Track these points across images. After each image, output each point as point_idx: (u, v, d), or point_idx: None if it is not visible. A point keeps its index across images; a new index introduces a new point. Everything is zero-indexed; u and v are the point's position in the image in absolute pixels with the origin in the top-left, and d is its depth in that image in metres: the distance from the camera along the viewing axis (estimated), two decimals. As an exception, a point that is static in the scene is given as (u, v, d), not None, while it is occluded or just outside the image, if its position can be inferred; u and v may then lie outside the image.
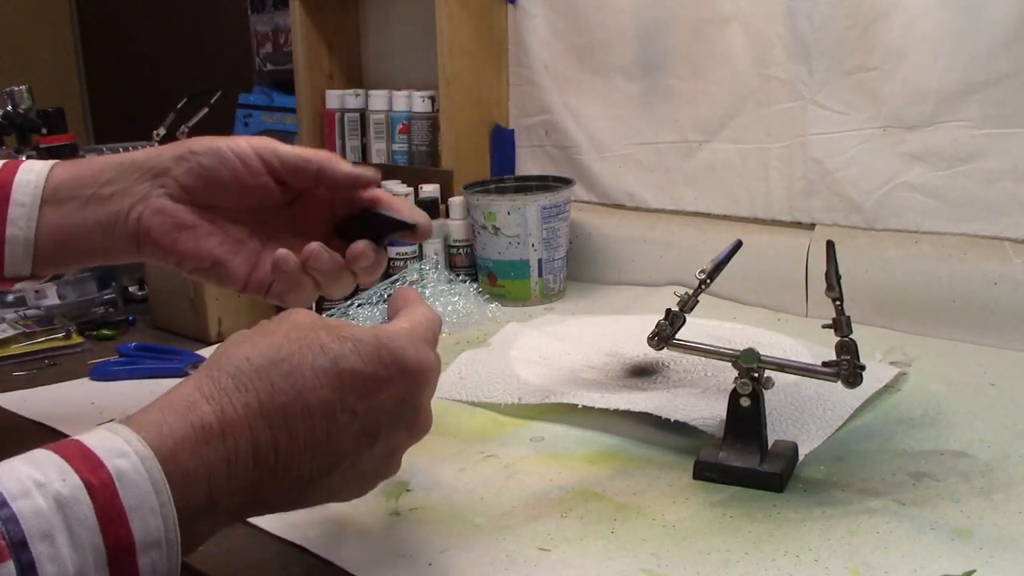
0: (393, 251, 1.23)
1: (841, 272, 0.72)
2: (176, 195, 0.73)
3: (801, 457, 0.76)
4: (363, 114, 1.57)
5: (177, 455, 0.50)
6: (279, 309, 0.65)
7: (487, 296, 1.20)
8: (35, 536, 0.45)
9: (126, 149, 1.62)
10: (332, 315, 1.10)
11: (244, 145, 0.73)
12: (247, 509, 0.55)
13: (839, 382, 0.72)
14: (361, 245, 0.73)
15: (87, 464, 0.47)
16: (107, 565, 0.47)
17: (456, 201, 1.28)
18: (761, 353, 0.74)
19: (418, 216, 0.74)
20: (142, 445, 0.49)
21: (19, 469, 0.47)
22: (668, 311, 0.78)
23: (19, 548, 0.44)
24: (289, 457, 0.54)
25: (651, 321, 0.79)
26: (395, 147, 1.52)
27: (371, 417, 0.56)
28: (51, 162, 0.75)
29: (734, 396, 0.75)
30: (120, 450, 0.49)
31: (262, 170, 0.73)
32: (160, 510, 0.48)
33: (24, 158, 1.51)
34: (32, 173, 0.73)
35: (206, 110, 1.78)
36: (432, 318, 0.61)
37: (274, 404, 0.53)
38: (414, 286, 0.71)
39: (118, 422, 0.51)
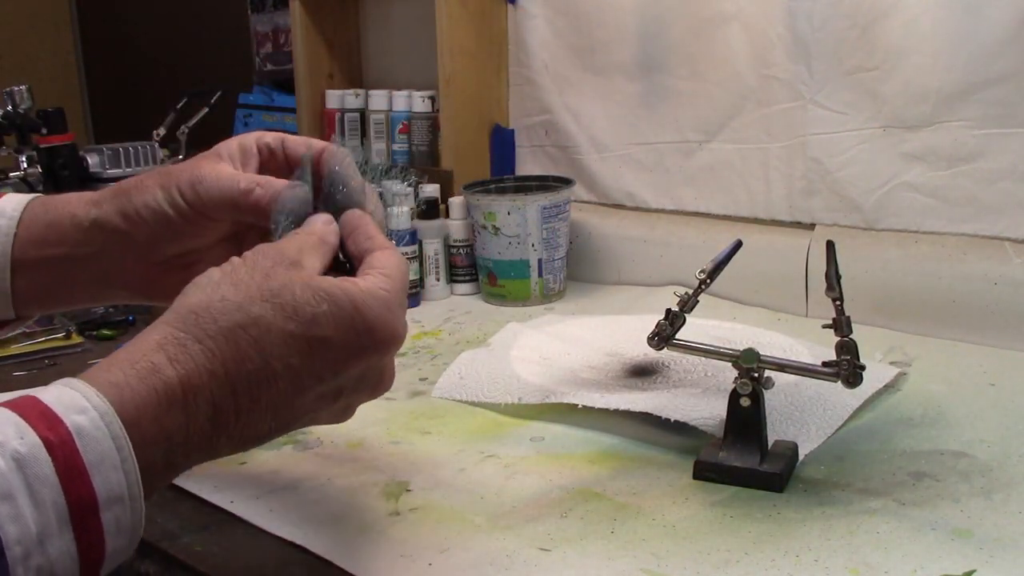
0: (393, 251, 1.23)
1: (841, 272, 0.72)
2: (147, 258, 0.69)
3: (801, 457, 0.76)
4: (363, 114, 1.56)
5: (139, 421, 0.49)
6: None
7: (485, 295, 1.20)
8: None
9: (126, 149, 1.63)
10: None
11: (176, 195, 0.66)
12: (201, 459, 0.55)
13: (839, 382, 0.72)
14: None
15: (45, 421, 0.47)
16: (70, 522, 0.46)
17: (456, 201, 1.28)
18: (761, 353, 0.74)
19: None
20: (101, 400, 0.48)
21: None
22: (668, 311, 0.78)
23: None
24: (249, 420, 0.53)
25: (651, 321, 0.79)
26: (395, 147, 1.52)
27: (336, 381, 0.55)
28: (22, 202, 0.70)
29: (734, 396, 0.75)
30: (78, 406, 0.48)
31: (197, 217, 0.67)
32: (122, 465, 0.48)
33: (24, 159, 1.52)
34: (3, 217, 0.69)
35: (206, 110, 1.78)
36: (405, 272, 0.59)
37: (240, 371, 0.52)
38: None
39: (75, 377, 0.50)
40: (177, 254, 0.69)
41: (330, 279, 0.56)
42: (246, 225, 0.70)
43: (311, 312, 0.53)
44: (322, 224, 0.61)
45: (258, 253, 0.57)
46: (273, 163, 0.70)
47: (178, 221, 0.67)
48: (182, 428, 0.51)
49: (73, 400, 0.48)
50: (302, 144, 0.69)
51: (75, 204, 0.69)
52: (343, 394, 0.57)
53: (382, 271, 0.57)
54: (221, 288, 0.54)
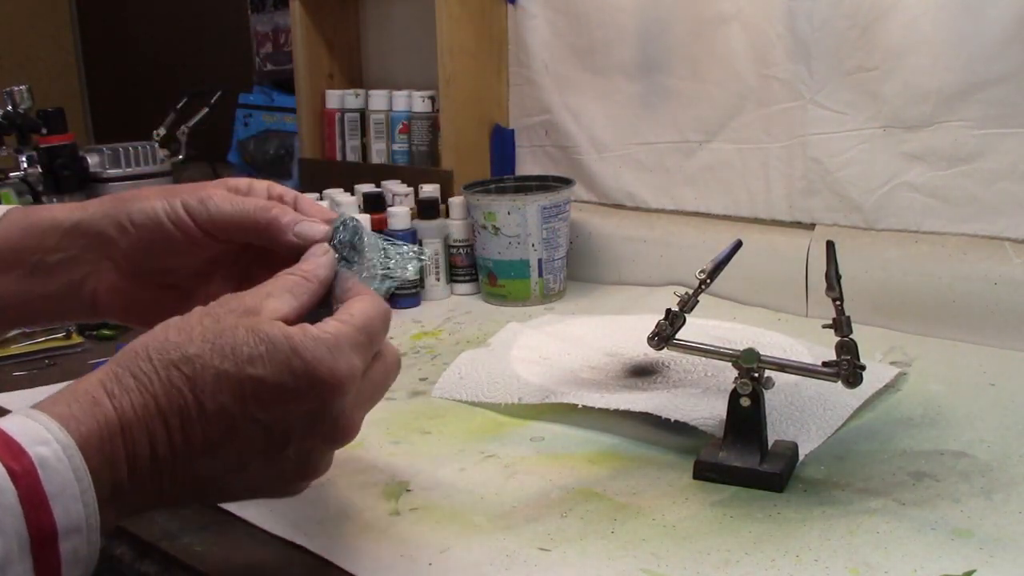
0: (393, 251, 1.23)
1: (841, 272, 0.72)
2: (125, 268, 0.68)
3: (801, 457, 0.76)
4: (363, 114, 1.57)
5: (85, 449, 0.50)
6: None
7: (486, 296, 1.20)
8: None
9: (126, 149, 1.63)
10: None
11: (180, 208, 0.66)
12: (153, 500, 0.55)
13: (839, 382, 0.72)
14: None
15: (9, 451, 0.48)
16: (30, 551, 0.47)
17: (456, 201, 1.28)
18: (761, 353, 0.74)
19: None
20: (63, 433, 0.49)
21: None
22: (668, 311, 0.78)
23: None
24: (188, 457, 0.53)
25: (651, 321, 0.79)
26: (395, 147, 1.52)
27: (278, 425, 0.54)
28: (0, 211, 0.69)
29: (734, 396, 0.75)
30: (41, 437, 0.49)
31: (198, 234, 0.67)
32: (81, 496, 0.49)
33: (24, 159, 1.52)
34: None
35: (206, 110, 1.78)
36: (371, 317, 0.58)
37: (171, 407, 0.53)
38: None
39: (33, 408, 0.51)
40: (156, 270, 0.68)
41: (277, 324, 0.55)
42: (231, 255, 0.69)
43: (247, 353, 0.53)
44: (313, 259, 0.62)
45: (219, 302, 0.57)
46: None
47: (174, 235, 0.66)
48: (123, 459, 0.52)
49: (37, 432, 0.49)
50: (315, 205, 0.69)
51: (58, 210, 0.69)
52: (291, 439, 0.55)
53: (340, 318, 0.57)
54: (168, 331, 0.55)
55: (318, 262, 0.62)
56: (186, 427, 0.53)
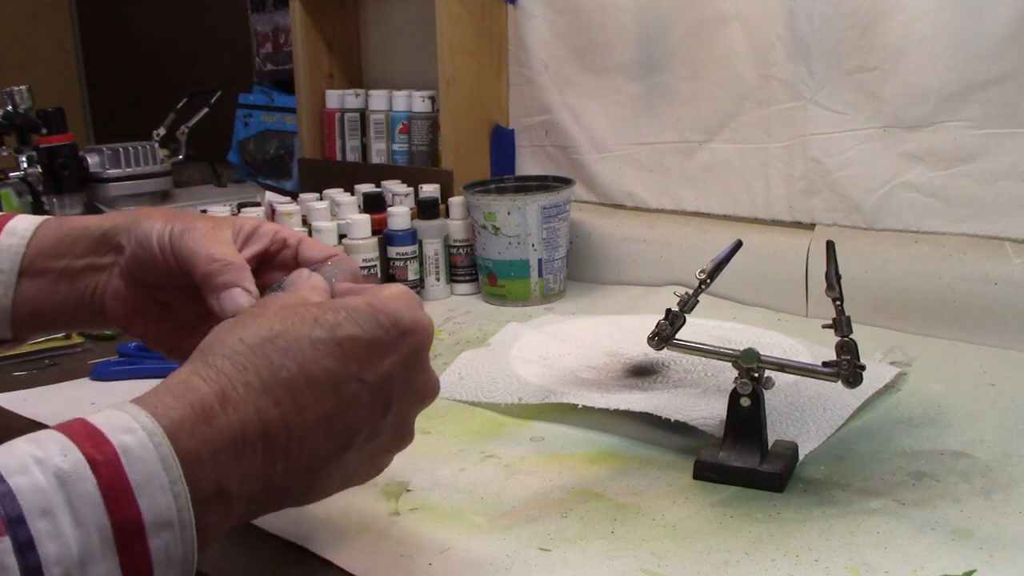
0: (393, 251, 1.23)
1: (841, 272, 0.72)
2: (126, 276, 0.70)
3: (801, 457, 0.76)
4: (363, 114, 1.57)
5: (176, 435, 0.48)
6: None
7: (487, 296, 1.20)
8: (33, 512, 0.43)
9: (126, 149, 1.63)
10: None
11: (167, 235, 0.67)
12: (263, 499, 0.53)
13: (839, 382, 0.73)
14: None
15: (91, 440, 0.46)
16: (114, 545, 0.45)
17: (456, 201, 1.28)
18: (761, 353, 0.74)
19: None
20: (150, 421, 0.47)
21: (19, 447, 0.46)
22: (668, 311, 0.78)
23: (16, 524, 0.43)
24: (302, 434, 0.52)
25: (651, 321, 0.79)
26: (395, 147, 1.52)
27: (381, 383, 0.54)
28: (36, 223, 0.71)
29: (734, 396, 0.75)
30: (126, 426, 0.47)
31: (173, 263, 0.67)
32: (171, 487, 0.46)
33: (24, 159, 1.52)
34: (15, 236, 0.70)
35: (206, 110, 1.78)
36: (409, 289, 0.60)
37: (276, 380, 0.51)
38: None
39: (125, 402, 0.49)
40: (148, 285, 0.70)
41: (342, 299, 0.56)
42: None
43: (331, 319, 0.53)
44: (306, 278, 0.62)
45: (267, 298, 0.58)
46: (279, 258, 0.70)
47: (157, 258, 0.67)
48: (228, 444, 0.49)
49: (122, 420, 0.47)
50: (317, 248, 0.70)
51: (91, 218, 0.72)
52: (392, 398, 0.55)
53: (385, 287, 0.58)
54: (241, 321, 0.54)
55: (315, 284, 0.62)
56: (297, 400, 0.51)
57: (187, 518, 0.47)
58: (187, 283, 0.67)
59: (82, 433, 0.46)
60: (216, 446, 0.49)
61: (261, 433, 0.50)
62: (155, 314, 0.71)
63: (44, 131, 1.52)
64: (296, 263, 0.69)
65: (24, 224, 0.71)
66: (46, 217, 0.72)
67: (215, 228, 0.67)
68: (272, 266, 0.70)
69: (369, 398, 0.54)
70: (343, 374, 0.53)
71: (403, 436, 0.59)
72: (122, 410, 0.48)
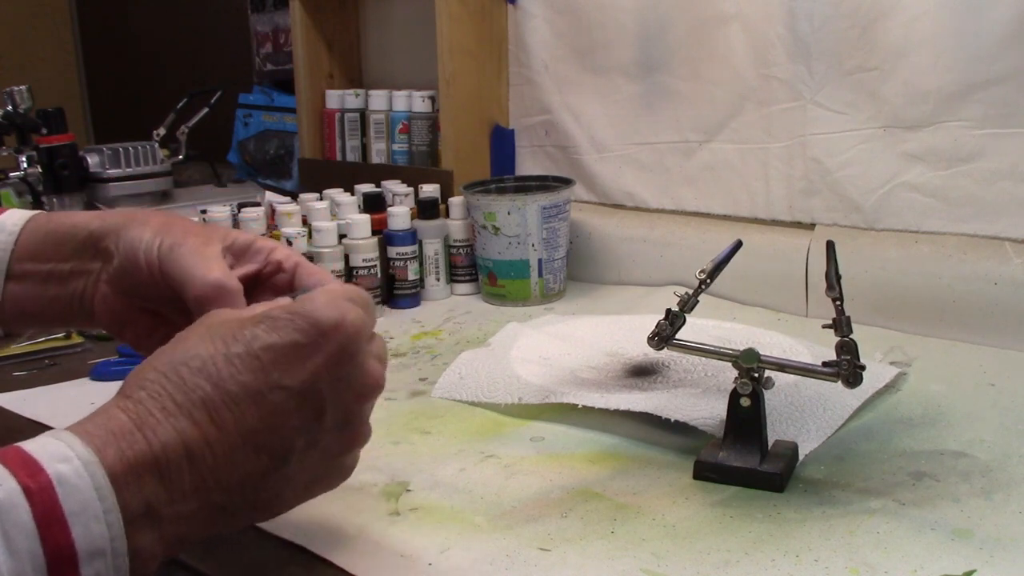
0: (393, 251, 1.23)
1: (841, 272, 0.72)
2: (114, 284, 0.68)
3: (801, 457, 0.76)
4: (363, 114, 1.57)
5: (108, 464, 0.48)
6: None
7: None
8: None
9: (126, 149, 1.63)
10: None
11: (154, 248, 0.65)
12: (202, 517, 0.52)
13: (839, 382, 0.73)
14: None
15: (26, 469, 0.46)
16: (47, 575, 0.45)
17: (456, 201, 1.28)
18: (761, 353, 0.74)
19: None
20: (86, 450, 0.47)
21: None
22: (668, 311, 0.78)
23: None
24: (228, 451, 0.51)
25: (651, 321, 0.79)
26: (395, 147, 1.52)
27: (307, 388, 0.53)
28: (24, 218, 0.70)
29: (734, 396, 0.75)
30: (62, 455, 0.47)
31: (159, 277, 0.66)
32: (104, 516, 0.46)
33: (24, 159, 1.52)
34: (3, 233, 0.68)
35: (206, 110, 1.78)
36: (349, 286, 0.58)
37: (192, 401, 0.51)
38: None
39: (61, 429, 0.49)
40: (134, 294, 0.68)
41: (262, 306, 0.55)
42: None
43: (248, 333, 0.53)
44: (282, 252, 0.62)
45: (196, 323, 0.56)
46: (273, 282, 0.69)
47: (144, 271, 0.66)
48: (150, 464, 0.49)
49: (57, 449, 0.47)
50: (312, 276, 0.67)
51: (79, 217, 0.69)
52: (325, 405, 0.54)
53: (319, 288, 0.58)
54: (164, 350, 0.54)
55: (287, 251, 0.63)
56: (215, 418, 0.51)
57: (120, 546, 0.47)
58: (176, 296, 0.65)
59: (17, 461, 0.46)
60: (139, 468, 0.49)
61: (184, 454, 0.50)
62: (145, 323, 0.70)
63: (44, 131, 1.52)
64: (291, 288, 0.67)
65: (12, 220, 0.69)
66: (36, 212, 0.71)
67: (205, 243, 0.66)
68: (264, 288, 0.69)
69: (296, 405, 0.53)
70: (262, 386, 0.52)
71: (354, 435, 0.58)
72: (57, 438, 0.48)
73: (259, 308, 0.57)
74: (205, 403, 0.51)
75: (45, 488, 0.45)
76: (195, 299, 0.63)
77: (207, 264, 0.64)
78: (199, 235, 0.66)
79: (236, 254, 0.68)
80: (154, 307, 0.69)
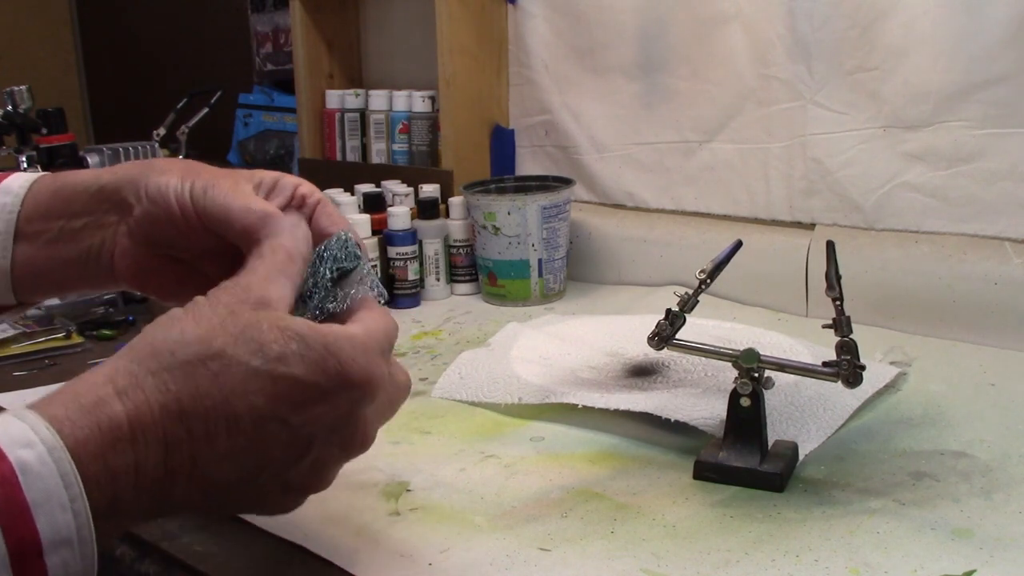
0: (393, 251, 1.23)
1: (841, 272, 0.72)
2: (137, 236, 0.65)
3: (801, 457, 0.76)
4: (363, 114, 1.57)
5: (79, 454, 0.45)
6: None
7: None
8: None
9: (126, 150, 1.63)
10: None
11: (187, 192, 0.62)
12: (154, 512, 0.51)
13: (839, 382, 0.72)
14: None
15: None
16: (9, 566, 0.43)
17: (456, 201, 1.28)
18: (761, 353, 0.74)
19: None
20: (51, 434, 0.45)
21: None
22: (668, 311, 0.78)
23: None
24: (208, 464, 0.49)
25: (651, 321, 0.79)
26: (395, 147, 1.52)
27: (304, 429, 0.51)
28: (29, 180, 0.67)
29: (734, 396, 0.75)
30: (25, 439, 0.45)
31: (196, 220, 0.63)
32: (71, 505, 0.44)
33: (24, 159, 1.52)
34: (10, 195, 0.66)
35: (206, 110, 1.78)
36: (389, 327, 0.56)
37: (196, 409, 0.48)
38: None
39: (27, 407, 0.47)
40: (162, 243, 0.65)
41: (301, 320, 0.53)
42: (234, 248, 0.64)
43: (278, 350, 0.50)
44: (290, 233, 0.58)
45: (221, 290, 0.54)
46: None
47: (178, 216, 0.63)
48: (129, 469, 0.47)
49: (21, 433, 0.45)
50: (329, 219, 0.65)
51: (86, 174, 0.66)
52: (313, 446, 0.52)
53: (362, 321, 0.55)
54: (181, 323, 0.51)
55: (296, 236, 0.59)
56: (211, 431, 0.49)
57: (87, 535, 0.45)
58: (208, 241, 0.63)
59: None
60: (117, 471, 0.47)
61: (163, 459, 0.49)
62: (173, 273, 0.67)
63: (44, 131, 1.52)
64: (309, 221, 0.65)
65: (19, 182, 0.67)
66: (43, 174, 0.68)
67: (236, 182, 0.63)
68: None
69: (287, 440, 0.51)
70: (268, 414, 0.50)
71: (318, 479, 0.55)
72: (21, 419, 0.46)
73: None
74: (207, 415, 0.49)
75: (7, 478, 0.44)
76: (243, 230, 0.60)
77: (247, 197, 0.62)
78: (228, 176, 0.64)
79: (266, 192, 0.66)
80: (182, 255, 0.66)
